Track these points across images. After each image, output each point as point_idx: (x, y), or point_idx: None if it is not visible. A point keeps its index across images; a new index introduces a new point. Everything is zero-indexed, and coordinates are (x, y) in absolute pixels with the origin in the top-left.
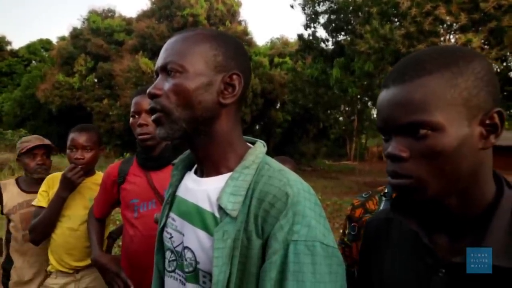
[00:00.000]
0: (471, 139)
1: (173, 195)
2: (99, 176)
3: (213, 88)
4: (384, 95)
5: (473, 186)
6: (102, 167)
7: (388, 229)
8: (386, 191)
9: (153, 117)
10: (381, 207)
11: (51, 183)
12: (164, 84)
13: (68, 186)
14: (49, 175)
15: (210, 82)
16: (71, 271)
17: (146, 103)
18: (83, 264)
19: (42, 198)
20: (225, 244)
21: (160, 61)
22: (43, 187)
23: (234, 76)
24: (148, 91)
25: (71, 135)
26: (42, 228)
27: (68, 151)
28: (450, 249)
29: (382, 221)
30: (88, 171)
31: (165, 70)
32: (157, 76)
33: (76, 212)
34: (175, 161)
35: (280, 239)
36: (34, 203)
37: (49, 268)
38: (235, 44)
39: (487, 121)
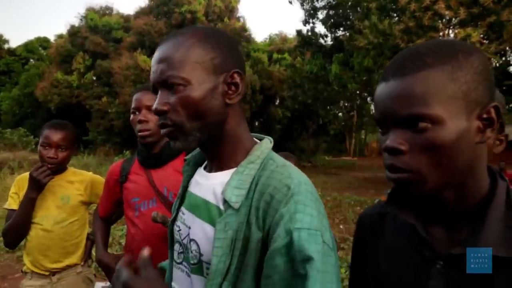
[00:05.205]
0: (469, 133)
1: (185, 190)
2: (70, 172)
3: (217, 91)
4: (383, 87)
5: (469, 179)
6: (102, 164)
7: (382, 223)
8: None
9: (164, 131)
10: None
11: (21, 184)
12: (169, 99)
13: (35, 186)
14: (18, 176)
15: (214, 87)
16: (47, 273)
17: (147, 100)
18: (60, 266)
19: (13, 200)
20: (226, 235)
21: (156, 75)
22: (13, 189)
23: (235, 75)
24: (154, 108)
25: (46, 132)
26: (14, 231)
27: (40, 147)
28: (447, 241)
29: (376, 215)
30: (59, 169)
31: (165, 85)
32: (155, 89)
33: (49, 213)
34: (187, 157)
35: (282, 227)
36: (5, 206)
37: (24, 268)
38: (227, 41)
39: (484, 115)
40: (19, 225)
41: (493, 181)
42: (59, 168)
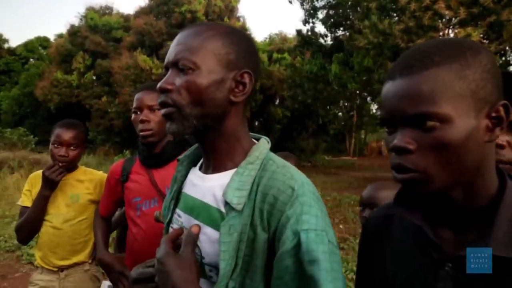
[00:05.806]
0: (478, 131)
1: (179, 191)
2: (81, 171)
3: (224, 86)
4: (390, 86)
5: (477, 179)
6: (102, 164)
7: (389, 225)
8: None
9: (163, 111)
10: None
11: (34, 182)
12: (175, 80)
13: (48, 184)
14: (31, 174)
15: (222, 79)
16: (55, 269)
17: (148, 99)
18: (67, 263)
19: (26, 197)
20: (231, 238)
21: (171, 55)
22: (26, 186)
23: (245, 75)
24: (159, 85)
25: (57, 130)
26: (28, 228)
27: (51, 146)
28: (455, 243)
29: (382, 218)
30: (70, 168)
31: (176, 65)
32: (167, 70)
33: (58, 211)
34: (180, 157)
35: (290, 229)
36: (19, 203)
37: (35, 263)
38: (247, 42)
39: (493, 114)
40: (32, 222)
41: (502, 181)
42: (70, 166)
